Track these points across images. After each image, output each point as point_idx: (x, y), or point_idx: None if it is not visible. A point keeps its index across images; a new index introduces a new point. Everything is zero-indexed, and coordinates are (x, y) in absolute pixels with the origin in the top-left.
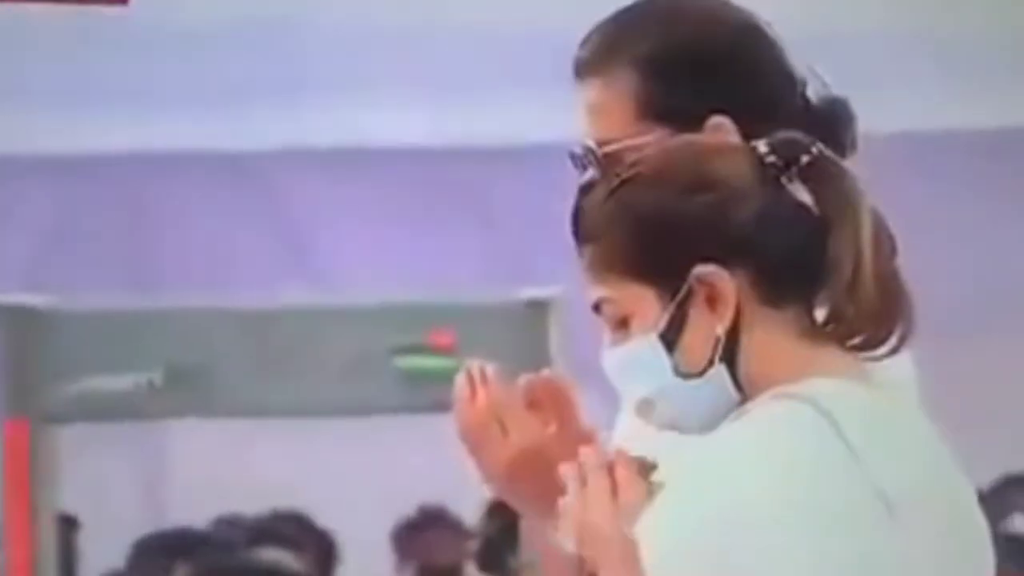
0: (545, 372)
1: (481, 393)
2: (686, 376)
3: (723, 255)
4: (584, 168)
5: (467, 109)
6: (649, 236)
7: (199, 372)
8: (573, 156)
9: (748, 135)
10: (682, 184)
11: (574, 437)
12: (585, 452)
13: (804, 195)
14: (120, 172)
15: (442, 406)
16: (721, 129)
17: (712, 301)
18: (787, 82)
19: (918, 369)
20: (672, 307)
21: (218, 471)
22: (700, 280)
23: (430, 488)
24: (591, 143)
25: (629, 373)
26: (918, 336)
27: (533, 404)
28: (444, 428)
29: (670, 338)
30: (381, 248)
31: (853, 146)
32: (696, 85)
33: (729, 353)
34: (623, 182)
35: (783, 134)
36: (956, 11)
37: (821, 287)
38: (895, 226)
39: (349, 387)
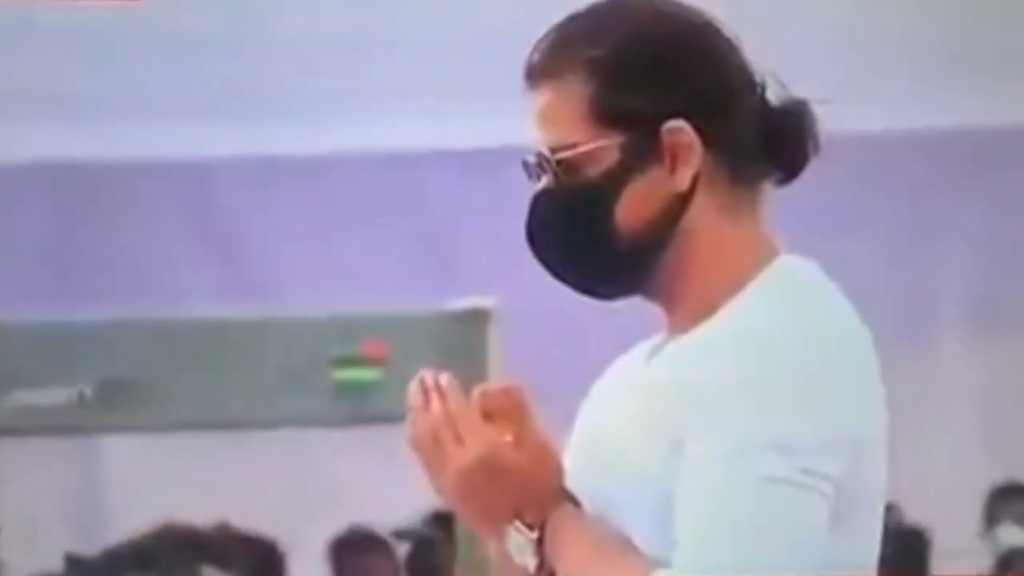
0: (500, 381)
1: (435, 402)
2: None
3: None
4: (538, 177)
5: (399, 114)
6: None
7: (132, 385)
8: (526, 164)
9: (705, 137)
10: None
11: (531, 447)
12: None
13: None
14: (50, 180)
15: (374, 418)
16: (677, 133)
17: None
18: (745, 84)
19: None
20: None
21: (152, 486)
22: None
23: (367, 500)
24: (544, 149)
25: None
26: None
27: (488, 414)
28: (377, 440)
29: None
30: (316, 257)
31: (816, 148)
32: (651, 88)
33: None
34: None
35: None
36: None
37: None
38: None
39: (285, 399)
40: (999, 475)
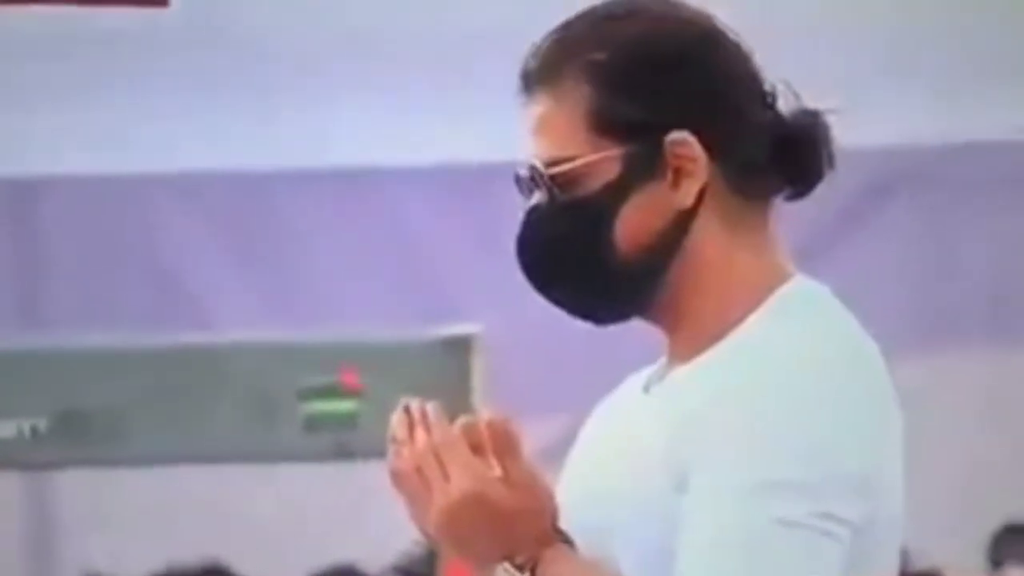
0: (486, 412)
1: (420, 434)
2: None
3: None
4: (530, 192)
5: (357, 125)
6: None
7: (89, 418)
8: (518, 179)
9: (711, 150)
10: None
11: (521, 483)
12: None
13: None
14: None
15: (350, 453)
16: (682, 145)
17: None
18: (753, 94)
19: None
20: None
21: (110, 523)
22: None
23: (341, 538)
24: (538, 163)
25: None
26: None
27: (474, 447)
28: (353, 475)
29: None
30: (283, 281)
31: (830, 162)
32: (655, 96)
33: None
34: None
35: None
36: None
37: None
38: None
39: (254, 431)
40: (1002, 514)
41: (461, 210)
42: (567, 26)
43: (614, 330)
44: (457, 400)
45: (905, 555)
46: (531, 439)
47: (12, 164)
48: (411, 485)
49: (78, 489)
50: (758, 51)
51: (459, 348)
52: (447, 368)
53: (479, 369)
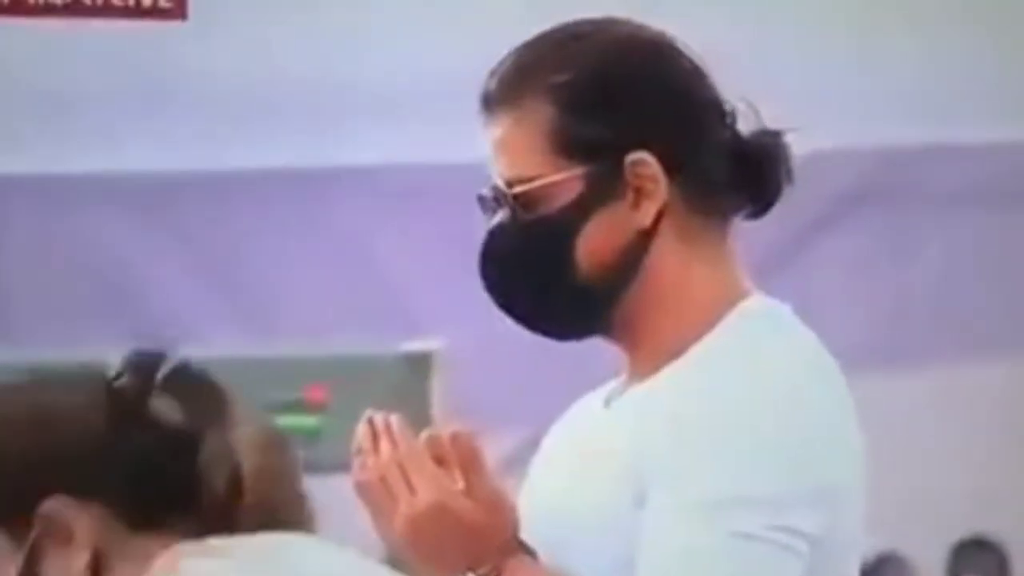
0: (451, 425)
1: (385, 445)
2: None
3: (74, 490)
4: (492, 211)
5: (334, 126)
6: None
7: None
8: (481, 199)
9: (671, 169)
10: (21, 422)
11: (484, 495)
12: None
13: (173, 410)
14: None
15: (315, 467)
16: (642, 165)
17: (60, 540)
18: (713, 113)
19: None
20: (25, 550)
21: None
22: (47, 517)
23: None
24: (501, 183)
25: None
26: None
27: (437, 460)
28: (314, 489)
29: None
30: (243, 294)
31: (788, 178)
32: (614, 118)
33: None
34: None
35: (134, 353)
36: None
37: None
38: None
39: None
40: (963, 529)
41: (427, 222)
42: (527, 47)
43: (576, 345)
44: (419, 414)
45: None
46: (491, 450)
47: None
48: (375, 496)
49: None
50: (726, 62)
51: (420, 363)
52: (409, 383)
53: (439, 385)
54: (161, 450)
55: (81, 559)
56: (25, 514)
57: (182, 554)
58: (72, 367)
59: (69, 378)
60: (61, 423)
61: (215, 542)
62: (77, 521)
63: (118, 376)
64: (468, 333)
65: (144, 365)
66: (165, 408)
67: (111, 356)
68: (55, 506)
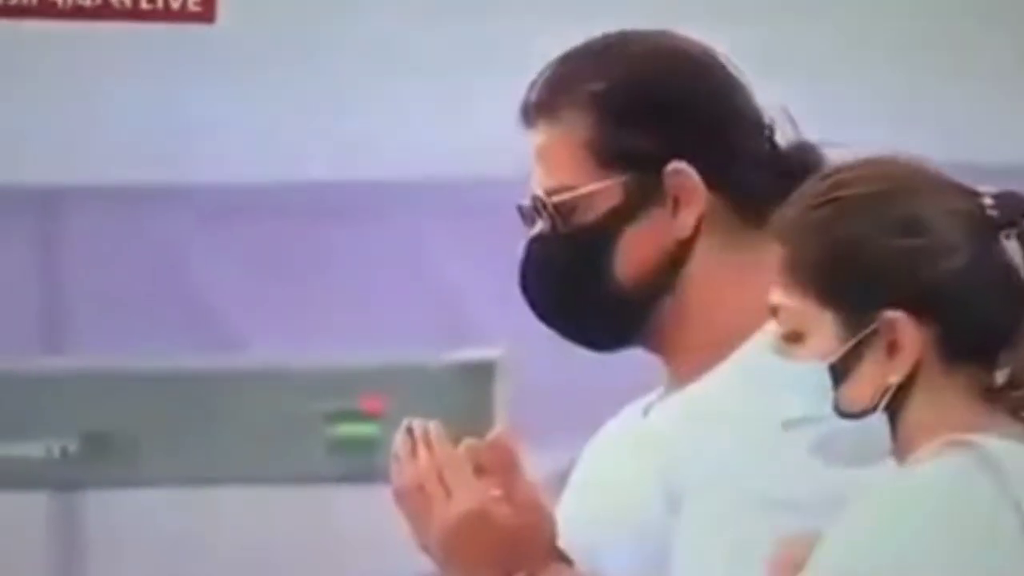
0: (490, 433)
1: (423, 452)
2: (843, 414)
3: (916, 304)
4: (533, 221)
5: (389, 137)
6: (843, 264)
7: (118, 440)
8: (521, 208)
9: (708, 181)
10: (891, 221)
11: (521, 502)
12: None
13: (1016, 256)
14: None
15: (373, 476)
16: (680, 175)
17: (893, 348)
18: (752, 125)
19: None
20: (851, 343)
21: (138, 544)
22: (886, 325)
23: (363, 559)
24: (540, 192)
25: (790, 387)
26: None
27: (477, 468)
28: (372, 498)
29: (839, 371)
30: (303, 305)
31: None
32: (654, 126)
33: (894, 402)
34: (828, 201)
35: (1007, 191)
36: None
37: (1009, 351)
38: None
39: (279, 454)
40: None
41: (486, 229)
42: (566, 57)
43: (635, 354)
44: (479, 424)
45: None
46: (550, 462)
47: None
48: (413, 503)
49: (104, 510)
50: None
51: (481, 372)
52: (469, 392)
53: (501, 393)
54: (1002, 291)
55: (901, 372)
56: (864, 311)
57: None
58: None
59: (939, 187)
60: (932, 235)
61: None
62: (912, 338)
63: (992, 205)
64: (529, 342)
65: (1016, 204)
66: (1010, 248)
67: (183, 363)
68: (900, 318)
